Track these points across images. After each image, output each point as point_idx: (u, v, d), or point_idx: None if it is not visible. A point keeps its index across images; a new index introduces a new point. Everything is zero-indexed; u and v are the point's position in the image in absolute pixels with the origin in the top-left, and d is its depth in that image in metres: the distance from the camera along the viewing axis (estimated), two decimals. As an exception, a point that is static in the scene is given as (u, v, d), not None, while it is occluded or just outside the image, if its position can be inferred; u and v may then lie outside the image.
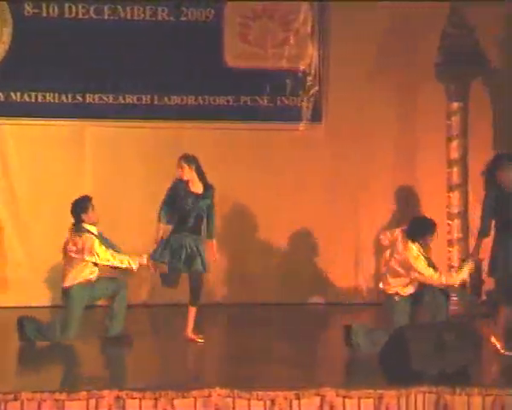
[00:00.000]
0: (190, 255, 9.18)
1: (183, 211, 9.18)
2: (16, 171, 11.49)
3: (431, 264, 8.79)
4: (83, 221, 9.15)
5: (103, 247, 9.10)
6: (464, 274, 9.07)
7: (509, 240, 8.70)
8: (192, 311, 9.29)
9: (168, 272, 9.26)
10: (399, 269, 8.78)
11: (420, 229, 8.85)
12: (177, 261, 9.17)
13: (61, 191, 10.95)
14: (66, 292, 9.21)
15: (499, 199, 8.72)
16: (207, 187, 9.24)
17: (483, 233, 8.85)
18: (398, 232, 8.97)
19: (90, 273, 9.20)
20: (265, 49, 11.89)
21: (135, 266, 9.17)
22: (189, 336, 9.30)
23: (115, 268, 9.26)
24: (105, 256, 9.11)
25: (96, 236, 9.13)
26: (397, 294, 8.82)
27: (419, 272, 8.69)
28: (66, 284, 9.18)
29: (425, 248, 8.84)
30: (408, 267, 8.71)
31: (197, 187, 9.19)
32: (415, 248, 8.75)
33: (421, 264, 8.72)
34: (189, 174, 9.16)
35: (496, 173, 8.72)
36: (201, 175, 9.23)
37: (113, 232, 9.52)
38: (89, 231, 9.12)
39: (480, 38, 11.15)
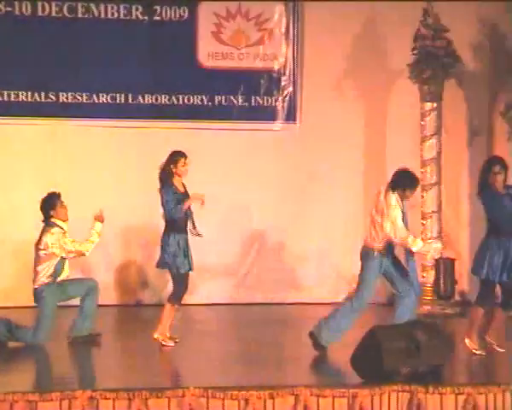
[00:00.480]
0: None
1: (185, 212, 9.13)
2: None
3: (405, 221, 8.72)
4: (51, 217, 9.14)
5: (70, 239, 9.12)
6: (429, 248, 9.22)
7: (494, 242, 8.77)
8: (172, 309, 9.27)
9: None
10: (379, 219, 8.78)
11: (401, 180, 8.75)
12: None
13: (36, 186, 10.88)
14: (37, 293, 9.19)
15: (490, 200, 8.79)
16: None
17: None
18: (384, 186, 8.96)
19: (61, 273, 9.23)
20: (240, 48, 11.91)
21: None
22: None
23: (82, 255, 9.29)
24: (72, 245, 9.10)
25: (65, 231, 9.14)
26: (375, 249, 8.77)
27: (391, 222, 8.65)
28: (37, 284, 9.16)
29: (403, 201, 8.75)
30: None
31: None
32: (394, 197, 8.66)
33: (394, 213, 8.64)
34: None
35: (488, 176, 8.81)
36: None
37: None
38: (58, 226, 9.12)
39: (453, 39, 11.19)
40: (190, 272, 9.20)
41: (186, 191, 9.05)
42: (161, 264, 9.12)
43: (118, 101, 11.70)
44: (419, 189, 11.06)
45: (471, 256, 11.49)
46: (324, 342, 8.77)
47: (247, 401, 7.22)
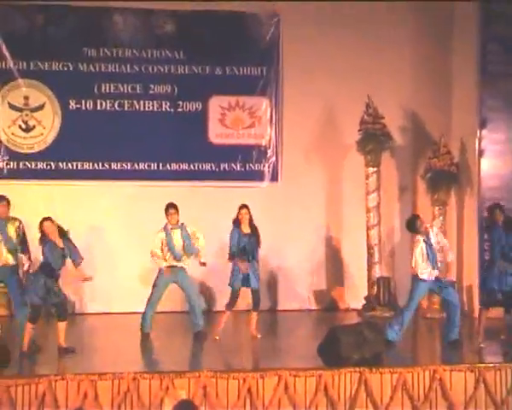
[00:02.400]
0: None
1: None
2: (63, 217, 11.20)
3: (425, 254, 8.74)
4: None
5: None
6: None
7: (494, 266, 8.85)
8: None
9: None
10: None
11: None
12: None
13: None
14: None
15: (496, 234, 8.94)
16: None
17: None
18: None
19: None
20: (238, 130, 11.89)
21: None
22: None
23: None
24: None
25: None
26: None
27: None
28: None
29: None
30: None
31: None
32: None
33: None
34: None
35: (492, 217, 8.96)
36: None
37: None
38: None
39: (387, 123, 11.34)
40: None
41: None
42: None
43: (152, 168, 11.63)
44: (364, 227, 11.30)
45: (403, 275, 11.63)
46: None
47: (244, 379, 7.29)
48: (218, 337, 9.21)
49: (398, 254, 11.85)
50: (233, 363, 8.19)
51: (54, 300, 8.41)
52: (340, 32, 11.64)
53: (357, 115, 11.28)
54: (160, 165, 11.65)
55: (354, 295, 11.71)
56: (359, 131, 11.32)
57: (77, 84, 11.36)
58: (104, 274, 10.64)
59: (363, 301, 11.42)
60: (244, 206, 9.45)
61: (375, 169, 11.31)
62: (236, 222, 9.38)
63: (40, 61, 11.33)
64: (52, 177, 11.35)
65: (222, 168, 11.79)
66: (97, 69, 11.47)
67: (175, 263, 9.34)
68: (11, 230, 8.71)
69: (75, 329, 9.61)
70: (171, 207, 9.48)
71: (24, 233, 8.76)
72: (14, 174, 11.31)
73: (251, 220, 9.43)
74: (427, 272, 8.73)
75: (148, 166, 11.62)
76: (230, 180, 11.75)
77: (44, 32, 11.32)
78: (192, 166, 11.72)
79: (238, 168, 11.84)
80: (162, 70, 11.64)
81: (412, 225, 9.00)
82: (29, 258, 8.71)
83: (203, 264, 9.50)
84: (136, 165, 11.60)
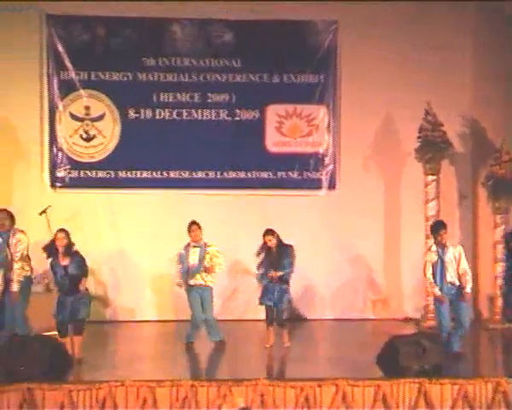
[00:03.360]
0: None
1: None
2: (123, 226, 11.50)
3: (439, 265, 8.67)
4: None
5: None
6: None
7: None
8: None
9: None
10: None
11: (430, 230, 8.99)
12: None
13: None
14: None
15: None
16: None
17: None
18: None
19: None
20: (295, 138, 11.86)
21: None
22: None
23: None
24: None
25: None
26: None
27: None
28: None
29: (442, 247, 8.71)
30: None
31: None
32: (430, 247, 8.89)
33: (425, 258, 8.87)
34: None
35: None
36: None
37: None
38: None
39: (447, 131, 11.12)
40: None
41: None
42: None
43: (209, 176, 11.67)
44: (424, 237, 11.10)
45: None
46: None
47: (301, 388, 7.26)
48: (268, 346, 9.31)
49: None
50: (289, 372, 8.14)
51: (68, 316, 8.43)
52: (398, 39, 11.53)
53: (416, 122, 11.12)
54: (218, 173, 11.68)
55: (413, 305, 11.56)
56: (418, 138, 11.16)
57: (136, 93, 11.50)
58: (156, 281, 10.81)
59: (422, 311, 11.24)
60: (268, 231, 9.40)
61: (435, 177, 11.13)
62: (264, 248, 9.36)
63: (101, 71, 11.51)
64: (112, 185, 11.50)
65: (279, 176, 11.77)
66: (156, 79, 11.57)
67: (191, 281, 9.42)
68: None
69: (122, 336, 9.94)
70: (193, 224, 9.57)
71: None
72: (75, 183, 11.51)
73: (279, 241, 9.38)
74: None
75: (205, 174, 11.66)
76: (288, 188, 11.72)
77: (105, 43, 11.50)
78: (249, 175, 11.73)
79: (295, 176, 11.80)
80: (220, 79, 11.69)
81: (435, 227, 8.83)
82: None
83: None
84: (193, 173, 11.64)
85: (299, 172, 11.81)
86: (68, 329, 8.50)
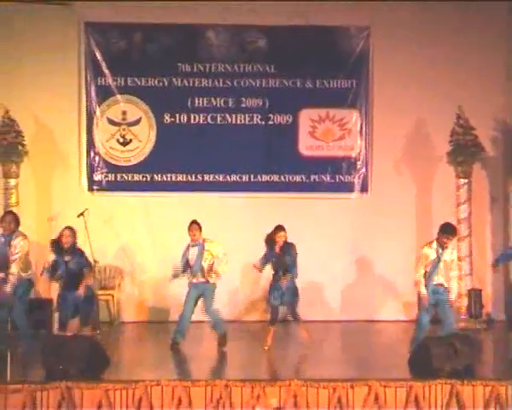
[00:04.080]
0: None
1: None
2: (159, 228, 11.55)
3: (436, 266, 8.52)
4: None
5: None
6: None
7: None
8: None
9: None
10: None
11: (439, 228, 8.66)
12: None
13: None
14: None
15: None
16: None
17: None
18: None
19: None
20: (328, 142, 11.87)
21: None
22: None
23: None
24: None
25: None
26: None
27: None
28: None
29: (443, 248, 8.55)
30: None
31: None
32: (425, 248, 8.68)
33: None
34: None
35: None
36: None
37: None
38: None
39: (478, 134, 11.07)
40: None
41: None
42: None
43: (243, 179, 11.72)
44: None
45: (493, 287, 11.42)
46: None
47: (334, 389, 7.26)
48: (266, 348, 9.31)
49: (489, 267, 11.45)
50: (322, 373, 8.16)
51: (73, 309, 8.65)
52: (429, 43, 11.48)
53: (448, 126, 11.08)
54: (251, 177, 11.73)
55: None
56: (450, 142, 11.12)
57: (171, 98, 11.60)
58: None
59: (453, 313, 11.19)
60: (281, 228, 9.41)
61: (466, 180, 11.10)
62: (271, 243, 9.36)
63: (137, 77, 11.64)
64: (147, 188, 11.61)
65: (312, 180, 11.78)
66: (191, 84, 11.66)
67: (194, 280, 9.46)
68: None
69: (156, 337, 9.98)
70: (193, 223, 9.59)
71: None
72: (112, 186, 11.65)
73: (285, 241, 9.39)
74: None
75: (239, 177, 11.71)
76: (320, 192, 11.73)
77: (141, 49, 11.62)
78: (282, 178, 11.76)
79: (328, 180, 11.79)
80: (254, 84, 11.74)
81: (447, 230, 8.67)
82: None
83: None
84: (228, 177, 11.70)
85: (332, 175, 11.82)
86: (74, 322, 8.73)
